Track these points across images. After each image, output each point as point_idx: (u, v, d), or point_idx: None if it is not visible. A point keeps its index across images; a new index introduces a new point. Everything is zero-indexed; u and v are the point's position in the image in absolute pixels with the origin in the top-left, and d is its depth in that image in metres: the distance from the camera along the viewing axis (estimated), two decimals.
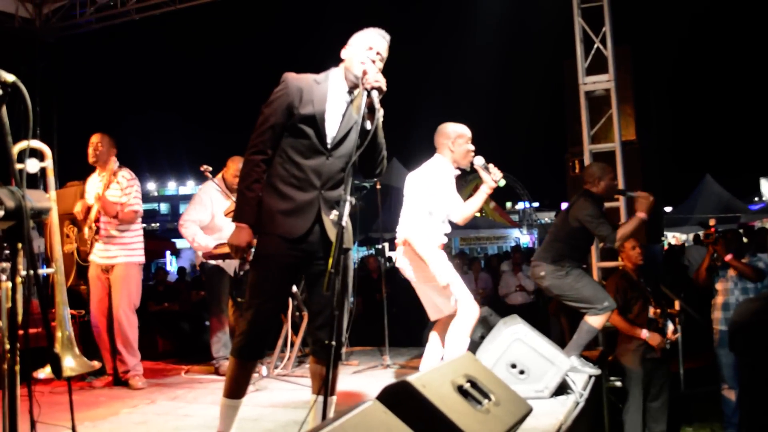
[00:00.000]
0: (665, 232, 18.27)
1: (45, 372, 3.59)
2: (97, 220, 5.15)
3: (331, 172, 3.04)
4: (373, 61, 3.00)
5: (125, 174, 5.17)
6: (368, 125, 2.90)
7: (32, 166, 3.33)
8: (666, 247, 14.79)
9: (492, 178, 4.42)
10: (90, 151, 5.20)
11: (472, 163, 4.41)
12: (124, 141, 5.42)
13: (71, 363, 3.57)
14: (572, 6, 7.25)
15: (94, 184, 5.29)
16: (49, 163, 3.52)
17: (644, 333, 5.41)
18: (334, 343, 2.66)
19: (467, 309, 4.12)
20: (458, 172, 4.43)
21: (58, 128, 9.62)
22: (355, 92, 3.08)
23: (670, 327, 5.55)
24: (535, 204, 35.27)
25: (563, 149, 8.05)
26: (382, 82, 2.90)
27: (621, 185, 6.59)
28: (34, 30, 9.64)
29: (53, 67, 9.86)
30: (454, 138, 4.35)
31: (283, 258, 2.98)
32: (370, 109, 2.89)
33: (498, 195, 28.91)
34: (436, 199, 4.24)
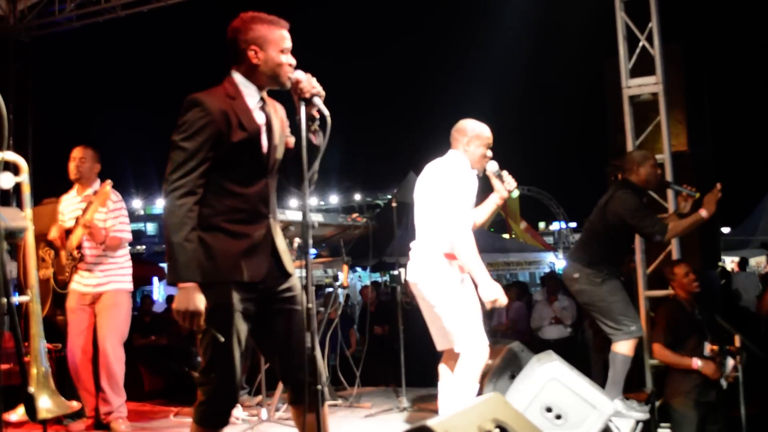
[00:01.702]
0: (723, 256, 18.14)
1: (17, 414, 3.62)
2: (79, 247, 5.16)
3: (273, 193, 3.08)
4: (291, 64, 3.02)
5: (111, 196, 5.18)
6: (314, 139, 2.97)
7: (6, 180, 3.38)
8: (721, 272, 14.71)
9: (505, 187, 4.47)
10: (72, 166, 5.24)
11: (484, 169, 4.44)
12: (107, 153, 5.44)
13: (47, 404, 3.59)
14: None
15: (71, 203, 5.32)
16: (24, 177, 3.56)
17: (696, 362, 5.38)
18: (319, 387, 2.72)
19: (472, 348, 4.09)
20: (475, 172, 4.41)
21: (33, 138, 9.73)
22: (263, 92, 3.08)
23: (730, 364, 5.51)
24: (572, 224, 35.09)
25: (604, 162, 8.03)
26: (318, 86, 2.96)
27: (671, 202, 6.58)
28: (7, 28, 9.77)
29: (28, 69, 9.97)
30: (471, 137, 4.38)
31: (243, 306, 2.93)
32: (312, 119, 2.95)
33: (530, 214, 28.91)
34: (462, 197, 4.21)
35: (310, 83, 2.96)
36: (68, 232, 5.21)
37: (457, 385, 4.12)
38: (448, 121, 4.50)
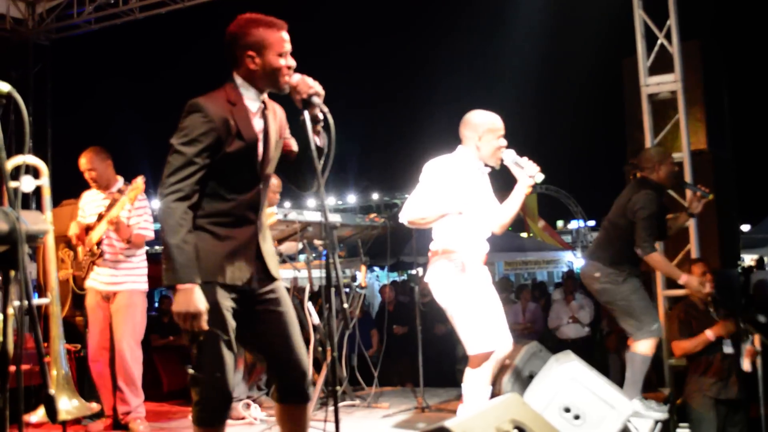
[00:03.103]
0: (742, 255, 18.00)
1: (38, 415, 3.65)
2: (99, 243, 5.15)
3: (264, 199, 3.08)
4: (290, 67, 3.00)
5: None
6: (318, 141, 2.97)
7: (27, 184, 3.40)
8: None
9: (527, 173, 4.17)
10: (86, 176, 5.23)
11: (501, 160, 4.24)
12: (126, 153, 5.44)
13: (67, 405, 3.62)
14: None
15: (93, 201, 5.33)
16: (45, 180, 3.59)
17: (708, 333, 5.38)
18: (339, 388, 2.75)
19: (477, 350, 4.04)
20: (488, 169, 4.28)
21: (53, 140, 9.82)
22: (264, 95, 3.07)
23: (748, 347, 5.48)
24: (591, 223, 34.91)
25: (622, 160, 7.99)
26: (317, 85, 2.96)
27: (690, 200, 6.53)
28: (26, 31, 9.87)
29: (47, 71, 10.07)
30: (483, 132, 4.20)
31: (229, 305, 2.96)
32: (315, 121, 2.95)
33: (548, 212, 28.78)
34: (455, 195, 4.11)
35: (306, 84, 2.96)
36: (88, 229, 5.20)
37: (466, 389, 4.10)
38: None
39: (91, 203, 5.34)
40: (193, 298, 2.79)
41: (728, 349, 5.48)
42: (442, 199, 4.11)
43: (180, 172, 2.85)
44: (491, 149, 4.20)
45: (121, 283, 5.18)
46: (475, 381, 4.06)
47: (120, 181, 5.30)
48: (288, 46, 3.00)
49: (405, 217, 4.20)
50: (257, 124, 3.02)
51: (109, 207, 5.05)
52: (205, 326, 2.82)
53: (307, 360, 3.13)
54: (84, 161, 5.22)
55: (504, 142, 4.23)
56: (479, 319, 4.05)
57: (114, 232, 5.08)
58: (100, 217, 5.12)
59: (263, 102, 3.06)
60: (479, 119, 4.24)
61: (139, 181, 4.96)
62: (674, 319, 5.53)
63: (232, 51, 3.00)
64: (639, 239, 4.98)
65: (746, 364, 5.43)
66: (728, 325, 5.39)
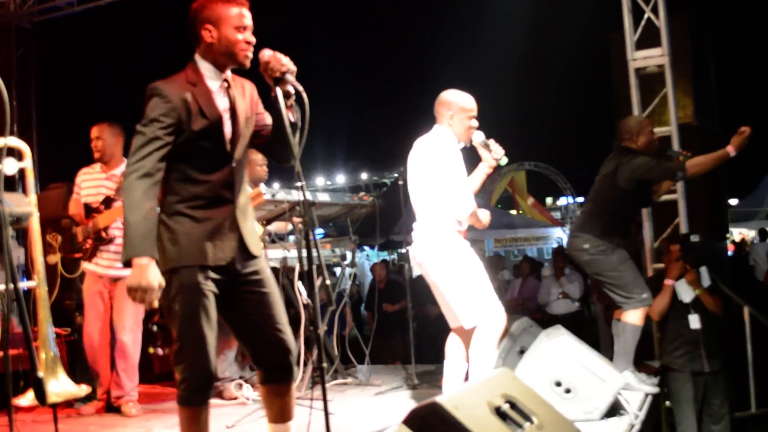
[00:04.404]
0: (731, 228, 18.10)
1: (27, 398, 3.63)
2: (107, 228, 5.02)
3: (239, 178, 3.08)
4: (248, 42, 3.00)
5: None
6: (291, 116, 2.97)
7: (10, 166, 3.37)
8: (731, 245, 14.64)
9: (492, 156, 4.39)
10: (92, 144, 5.16)
11: (470, 141, 4.39)
12: None
13: (56, 388, 3.60)
14: None
15: (93, 179, 5.19)
16: (28, 162, 3.55)
17: (667, 281, 5.46)
18: (324, 364, 2.80)
19: (489, 317, 4.09)
20: (462, 145, 4.38)
21: (37, 123, 9.72)
22: (226, 73, 3.06)
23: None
24: (580, 199, 34.86)
25: (611, 135, 7.97)
26: (288, 62, 2.95)
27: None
28: (8, 14, 9.75)
29: (30, 55, 9.95)
30: (456, 110, 4.32)
31: (209, 287, 2.97)
32: (287, 96, 2.96)
33: (537, 189, 28.82)
34: (451, 172, 4.18)
35: (278, 61, 2.96)
36: (90, 209, 5.09)
37: (475, 359, 4.10)
38: None
39: (90, 181, 5.20)
40: (146, 273, 2.79)
41: (695, 324, 5.49)
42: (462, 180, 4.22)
43: (141, 151, 2.87)
44: (462, 128, 4.32)
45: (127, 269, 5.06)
46: (485, 350, 4.08)
47: (125, 163, 5.19)
48: (247, 21, 3.00)
49: (463, 211, 4.18)
50: (221, 103, 3.01)
51: (118, 191, 4.93)
52: (155, 303, 2.83)
53: (293, 339, 3.14)
54: (95, 130, 5.16)
55: (475, 123, 4.36)
56: (474, 292, 4.11)
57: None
58: (107, 200, 5.03)
59: (226, 80, 3.05)
60: (452, 98, 4.35)
61: None
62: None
63: (193, 27, 3.01)
64: (668, 176, 5.05)
65: (693, 322, 5.45)
66: (679, 266, 5.39)
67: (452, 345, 4.37)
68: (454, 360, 4.33)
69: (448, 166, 4.18)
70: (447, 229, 4.19)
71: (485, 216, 4.26)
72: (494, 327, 4.10)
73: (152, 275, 2.79)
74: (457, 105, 4.32)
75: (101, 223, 5.03)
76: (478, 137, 4.37)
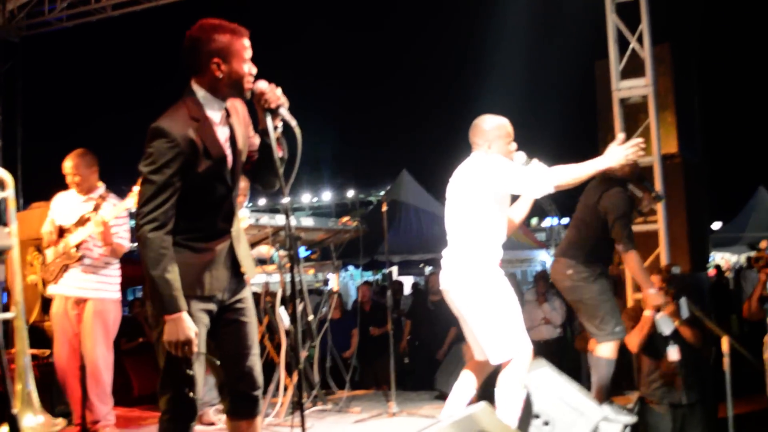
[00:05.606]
0: (713, 254, 18.19)
1: None
2: (79, 246, 4.96)
3: (236, 206, 3.10)
4: (252, 74, 2.98)
5: (116, 202, 5.00)
6: (278, 149, 2.97)
7: None
8: (713, 270, 14.69)
9: None
10: (68, 179, 5.08)
11: None
12: (100, 154, 5.26)
13: (32, 422, 3.52)
14: (604, 0, 7.25)
15: (70, 202, 5.13)
16: (10, 192, 3.46)
17: (645, 312, 5.40)
18: (312, 393, 2.77)
19: (517, 354, 3.95)
20: None
21: (23, 139, 9.67)
22: (227, 102, 3.03)
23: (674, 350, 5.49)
24: (565, 220, 35.07)
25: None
26: (282, 95, 2.95)
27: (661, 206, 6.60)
28: None
29: (17, 69, 9.93)
30: (493, 138, 4.15)
31: (202, 317, 2.96)
32: (274, 128, 2.96)
33: None
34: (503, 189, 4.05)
35: (274, 94, 2.95)
36: (63, 231, 5.02)
37: (504, 394, 3.96)
38: (441, 119, 4.44)
39: (65, 206, 5.14)
40: (182, 327, 2.81)
41: (674, 356, 5.49)
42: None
43: (153, 201, 2.83)
44: (503, 153, 4.15)
45: (95, 290, 5.03)
46: (513, 387, 3.94)
47: (102, 187, 5.15)
48: (250, 53, 2.97)
49: (549, 184, 4.06)
50: (222, 135, 2.99)
51: (96, 210, 4.88)
52: (195, 350, 2.84)
53: (261, 373, 3.14)
54: (69, 165, 5.05)
55: (514, 146, 4.21)
56: (505, 330, 3.95)
57: (100, 234, 4.86)
58: (82, 220, 4.96)
59: (226, 109, 3.02)
60: (488, 125, 4.19)
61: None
62: (626, 319, 5.57)
63: (195, 57, 2.92)
64: (619, 237, 5.04)
65: (672, 354, 5.45)
66: (657, 296, 5.37)
67: (469, 371, 4.25)
68: (465, 385, 4.20)
69: (498, 186, 4.03)
70: (485, 259, 4.06)
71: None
72: (522, 362, 3.97)
73: (187, 327, 2.81)
74: (495, 132, 4.15)
75: (72, 241, 4.97)
76: (521, 158, 4.19)
